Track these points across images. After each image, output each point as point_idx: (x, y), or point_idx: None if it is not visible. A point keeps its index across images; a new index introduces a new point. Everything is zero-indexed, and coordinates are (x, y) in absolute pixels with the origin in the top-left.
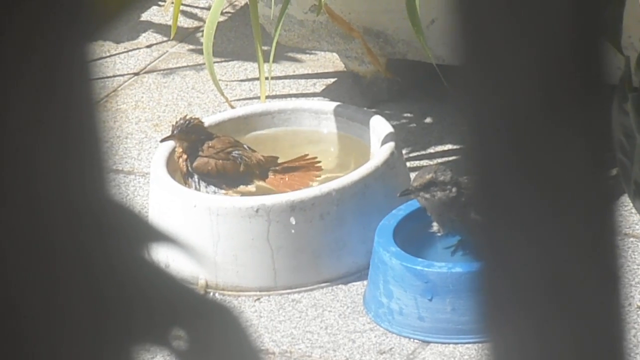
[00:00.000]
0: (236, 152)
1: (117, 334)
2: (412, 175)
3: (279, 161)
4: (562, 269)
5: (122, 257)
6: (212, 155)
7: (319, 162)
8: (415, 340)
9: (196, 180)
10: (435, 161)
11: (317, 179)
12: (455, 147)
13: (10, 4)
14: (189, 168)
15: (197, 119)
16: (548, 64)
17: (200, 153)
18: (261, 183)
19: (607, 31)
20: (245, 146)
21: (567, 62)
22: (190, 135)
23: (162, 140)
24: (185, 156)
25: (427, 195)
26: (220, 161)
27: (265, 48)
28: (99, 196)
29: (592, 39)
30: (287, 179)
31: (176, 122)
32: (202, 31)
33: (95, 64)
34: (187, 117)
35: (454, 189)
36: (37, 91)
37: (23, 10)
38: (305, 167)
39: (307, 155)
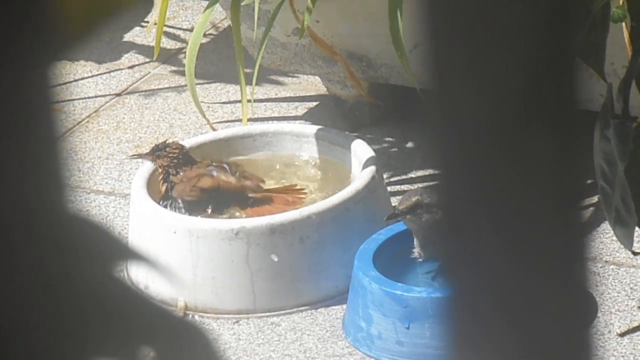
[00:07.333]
0: (215, 171)
1: (80, 350)
2: (393, 199)
3: (264, 187)
4: (529, 296)
5: (89, 275)
6: (190, 178)
7: (305, 192)
8: None
9: (175, 204)
10: (416, 186)
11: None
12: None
13: None
14: (169, 191)
15: (178, 143)
16: (518, 87)
17: (179, 176)
18: (238, 214)
19: (590, 57)
20: (225, 165)
21: (537, 85)
22: (162, 153)
23: (131, 157)
24: (163, 178)
25: (414, 218)
26: (198, 186)
27: (247, 70)
28: (60, 213)
29: (565, 63)
30: (266, 210)
31: (156, 145)
32: (185, 53)
33: (77, 84)
34: (168, 141)
35: (440, 212)
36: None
37: None
38: (288, 194)
39: (295, 185)
